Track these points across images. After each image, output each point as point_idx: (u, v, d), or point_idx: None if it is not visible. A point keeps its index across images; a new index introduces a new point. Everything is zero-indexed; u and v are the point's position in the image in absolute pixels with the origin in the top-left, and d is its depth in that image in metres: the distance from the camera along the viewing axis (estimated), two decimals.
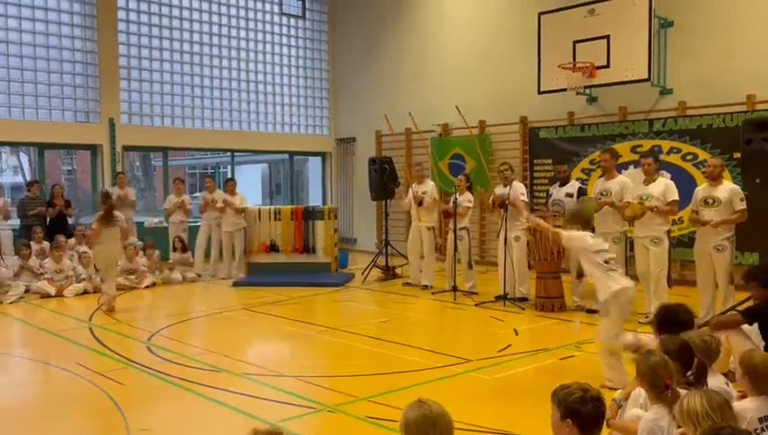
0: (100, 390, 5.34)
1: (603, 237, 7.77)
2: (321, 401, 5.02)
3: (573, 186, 8.46)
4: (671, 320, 4.16)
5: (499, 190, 9.02)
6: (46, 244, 10.52)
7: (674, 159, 10.13)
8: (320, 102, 16.33)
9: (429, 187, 10.40)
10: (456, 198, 9.48)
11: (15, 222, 11.16)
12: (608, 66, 10.33)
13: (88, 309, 8.83)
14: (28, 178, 24.46)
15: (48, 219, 11.12)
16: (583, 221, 5.83)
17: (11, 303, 9.25)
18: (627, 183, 7.89)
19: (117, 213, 8.87)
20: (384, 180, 11.16)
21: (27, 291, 9.77)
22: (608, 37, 10.31)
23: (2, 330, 8.19)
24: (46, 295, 9.63)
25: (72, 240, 10.93)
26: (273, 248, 11.46)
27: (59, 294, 9.69)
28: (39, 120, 12.25)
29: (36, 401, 5.43)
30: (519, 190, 8.83)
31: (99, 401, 5.10)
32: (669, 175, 8.77)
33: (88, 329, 7.67)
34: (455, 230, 9.46)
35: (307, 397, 5.11)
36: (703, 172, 8.52)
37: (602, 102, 11.24)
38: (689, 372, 3.48)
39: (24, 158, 29.09)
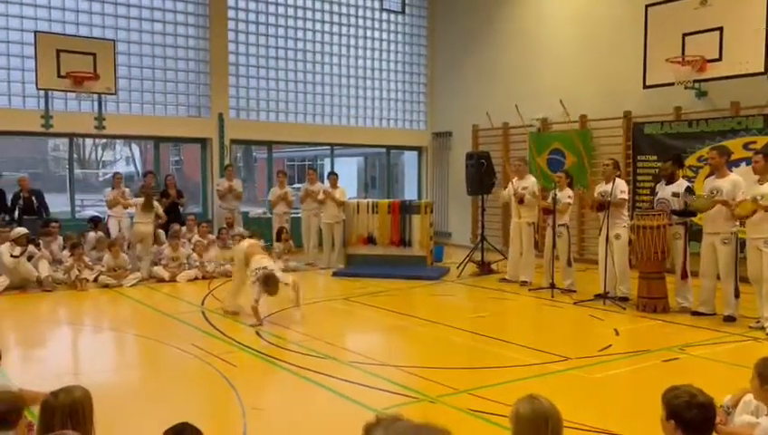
0: (216, 370, 5.72)
1: (712, 238, 7.59)
2: (422, 391, 5.17)
3: (681, 185, 8.17)
4: None
5: (601, 187, 8.87)
6: (161, 232, 11.26)
7: None
8: (417, 97, 16.49)
9: (530, 182, 10.29)
10: (555, 195, 9.39)
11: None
12: (720, 59, 9.92)
13: (200, 294, 9.39)
14: (139, 169, 25.96)
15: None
16: None
17: (131, 286, 9.96)
18: (739, 181, 7.55)
19: (155, 202, 10.84)
20: (481, 175, 11.19)
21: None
22: (720, 29, 9.89)
23: (124, 311, 8.85)
24: (161, 280, 10.30)
25: (184, 229, 11.61)
26: (370, 241, 11.72)
27: (172, 280, 10.33)
28: (155, 115, 13.06)
29: (157, 378, 5.88)
30: (620, 188, 8.63)
31: (215, 381, 5.47)
32: None
33: (200, 313, 8.17)
34: (553, 227, 9.38)
35: (409, 387, 5.27)
36: None
37: (712, 97, 10.79)
38: None
39: (135, 149, 30.89)
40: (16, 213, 10.99)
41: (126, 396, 5.29)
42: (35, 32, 11.50)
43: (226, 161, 13.40)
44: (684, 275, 8.08)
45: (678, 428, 2.71)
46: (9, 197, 11.15)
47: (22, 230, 9.74)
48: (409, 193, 16.87)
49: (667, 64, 10.36)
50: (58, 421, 2.83)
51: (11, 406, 2.91)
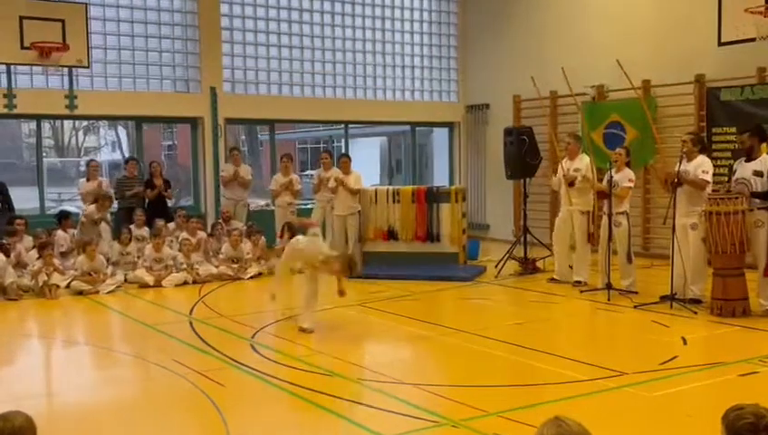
0: (200, 390, 5.70)
1: None
2: (444, 414, 5.10)
3: (764, 161, 7.93)
4: None
5: (682, 166, 8.50)
6: (145, 229, 11.31)
7: None
8: (446, 63, 16.38)
9: (583, 163, 10.08)
10: (611, 177, 9.21)
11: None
12: None
13: (188, 301, 9.42)
14: (126, 156, 26.24)
15: (147, 201, 11.91)
16: None
17: (108, 292, 10.03)
18: None
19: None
20: (523, 155, 11.05)
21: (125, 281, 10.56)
22: None
23: (99, 322, 8.93)
24: (144, 285, 10.37)
25: (172, 225, 11.64)
26: (391, 235, 11.67)
27: (157, 284, 10.39)
28: (136, 91, 13.13)
29: (134, 400, 5.88)
30: (701, 167, 8.34)
31: (198, 403, 5.46)
32: None
33: (188, 323, 8.19)
34: (609, 215, 9.21)
35: (429, 409, 5.21)
36: None
37: None
38: None
39: (122, 133, 31.19)
40: None
41: (92, 421, 5.32)
42: None
43: (221, 143, 13.41)
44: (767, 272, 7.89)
45: None
46: None
47: None
48: (440, 178, 16.76)
49: (748, 16, 10.14)
50: None
51: None
